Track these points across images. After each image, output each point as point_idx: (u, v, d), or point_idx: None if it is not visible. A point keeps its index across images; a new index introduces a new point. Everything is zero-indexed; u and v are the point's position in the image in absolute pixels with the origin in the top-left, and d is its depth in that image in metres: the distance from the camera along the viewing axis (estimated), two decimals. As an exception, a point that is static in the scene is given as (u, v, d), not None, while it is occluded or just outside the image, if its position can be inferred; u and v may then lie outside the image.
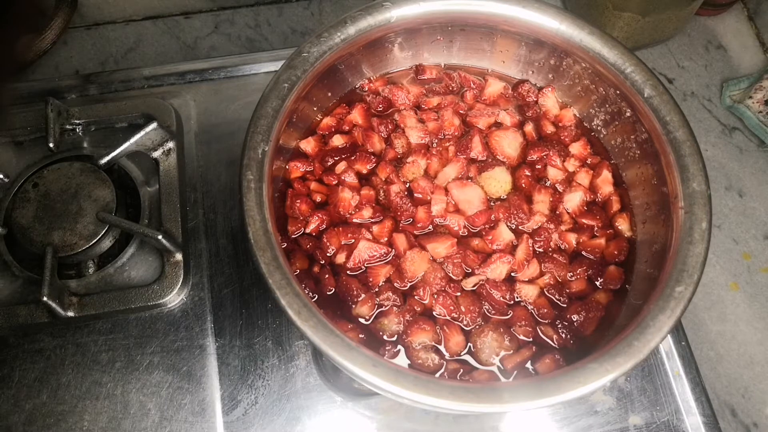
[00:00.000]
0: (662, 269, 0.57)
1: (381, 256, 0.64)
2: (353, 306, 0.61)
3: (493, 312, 0.62)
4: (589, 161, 0.71)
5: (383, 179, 0.68)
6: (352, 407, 0.71)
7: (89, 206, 0.76)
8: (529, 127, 0.72)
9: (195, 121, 0.87)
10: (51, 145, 0.79)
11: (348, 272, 0.63)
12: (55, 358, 0.73)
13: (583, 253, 0.66)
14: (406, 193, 0.67)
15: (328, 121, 0.72)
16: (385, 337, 0.61)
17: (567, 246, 0.66)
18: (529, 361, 0.60)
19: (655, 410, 0.72)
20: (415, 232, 0.65)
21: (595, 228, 0.67)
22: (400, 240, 0.63)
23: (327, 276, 0.63)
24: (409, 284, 0.63)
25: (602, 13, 0.92)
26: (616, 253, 0.65)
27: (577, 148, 0.71)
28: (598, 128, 0.72)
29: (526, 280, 0.64)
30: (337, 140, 0.70)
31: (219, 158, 0.84)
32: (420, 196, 0.67)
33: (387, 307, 0.62)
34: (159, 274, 0.75)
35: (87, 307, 0.72)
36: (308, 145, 0.70)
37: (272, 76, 0.62)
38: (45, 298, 0.69)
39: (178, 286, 0.74)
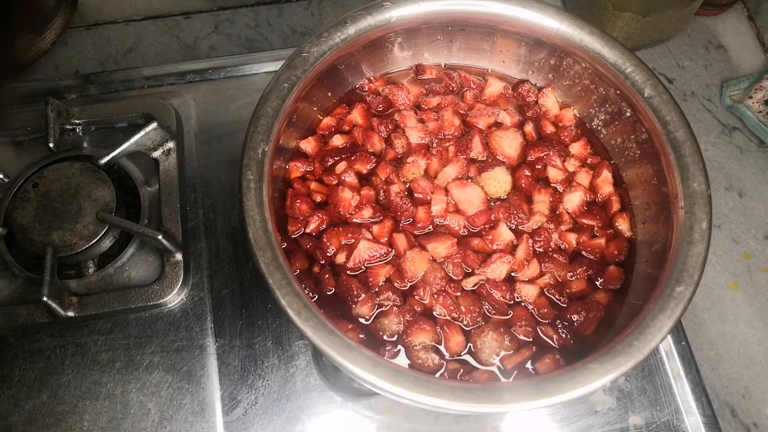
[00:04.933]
0: (662, 269, 0.57)
1: (381, 256, 0.64)
2: (353, 306, 0.61)
3: (493, 312, 0.62)
4: (589, 161, 0.71)
5: (383, 179, 0.68)
6: (352, 407, 0.71)
7: (89, 206, 0.76)
8: (529, 127, 0.72)
9: (195, 121, 0.87)
10: (51, 145, 0.79)
11: (348, 272, 0.63)
12: (55, 358, 0.73)
13: (583, 253, 0.66)
14: (406, 193, 0.67)
15: (328, 121, 0.72)
16: (385, 337, 0.61)
17: (567, 246, 0.66)
18: (529, 361, 0.60)
19: (655, 410, 0.72)
20: (415, 232, 0.65)
21: (595, 228, 0.67)
22: (400, 240, 0.63)
23: (327, 276, 0.63)
24: (409, 284, 0.63)
25: (602, 13, 0.92)
26: (616, 253, 0.65)
27: (577, 148, 0.71)
28: (598, 128, 0.72)
29: (526, 280, 0.64)
30: (337, 140, 0.70)
31: (219, 158, 0.84)
32: (420, 196, 0.67)
33: (387, 307, 0.62)
34: (159, 274, 0.75)
35: (87, 307, 0.72)
36: (308, 145, 0.70)
37: (272, 76, 0.62)
38: (45, 298, 0.69)
39: (178, 286, 0.74)
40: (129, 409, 0.70)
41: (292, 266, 0.62)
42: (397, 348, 0.60)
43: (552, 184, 0.69)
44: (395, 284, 0.63)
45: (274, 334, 0.74)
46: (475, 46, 0.74)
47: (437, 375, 0.59)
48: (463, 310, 0.61)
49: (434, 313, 0.62)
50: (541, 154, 0.70)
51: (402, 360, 0.60)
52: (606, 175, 0.69)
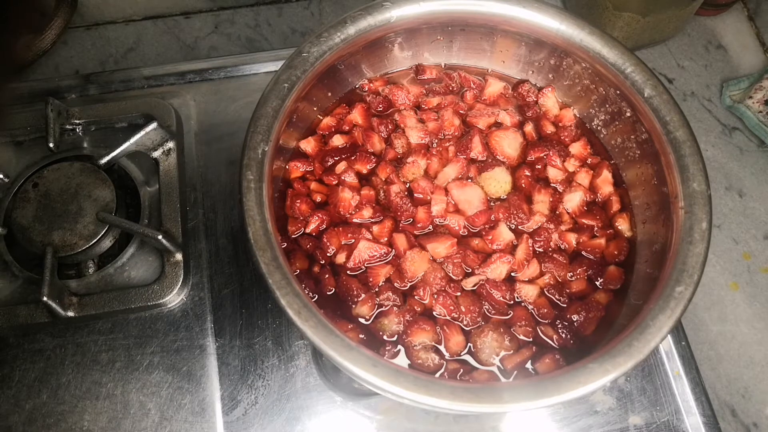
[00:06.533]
0: (662, 269, 0.57)
1: (381, 256, 0.64)
2: (353, 306, 0.61)
3: (493, 312, 0.62)
4: (589, 161, 0.71)
5: (383, 179, 0.68)
6: (352, 407, 0.71)
7: (89, 206, 0.76)
8: (529, 127, 0.72)
9: (195, 121, 0.87)
10: (51, 145, 0.79)
11: (348, 272, 0.63)
12: (55, 358, 0.73)
13: (583, 253, 0.66)
14: (406, 193, 0.67)
15: (328, 121, 0.72)
16: (385, 337, 0.61)
17: (567, 246, 0.66)
18: (529, 361, 0.60)
19: (655, 410, 0.72)
20: (415, 232, 0.65)
21: (595, 228, 0.67)
22: (400, 240, 0.63)
23: (327, 276, 0.63)
24: (409, 284, 0.63)
25: (602, 13, 0.92)
26: (616, 253, 0.65)
27: (577, 148, 0.71)
28: (598, 128, 0.72)
29: (526, 280, 0.64)
30: (337, 140, 0.70)
31: (219, 158, 0.84)
32: (420, 196, 0.67)
33: (387, 307, 0.62)
34: (159, 274, 0.75)
35: (87, 307, 0.72)
36: (308, 145, 0.70)
37: (272, 76, 0.62)
38: (45, 298, 0.69)
39: (178, 286, 0.74)
40: (129, 409, 0.70)
41: (292, 266, 0.62)
42: (397, 348, 0.60)
43: (552, 184, 0.69)
44: (395, 284, 0.63)
45: (274, 334, 0.74)
46: (475, 46, 0.74)
47: (437, 375, 0.59)
48: (463, 310, 0.61)
49: (434, 313, 0.62)
50: (541, 154, 0.70)
51: (402, 360, 0.60)
52: (606, 175, 0.69)
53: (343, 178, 0.67)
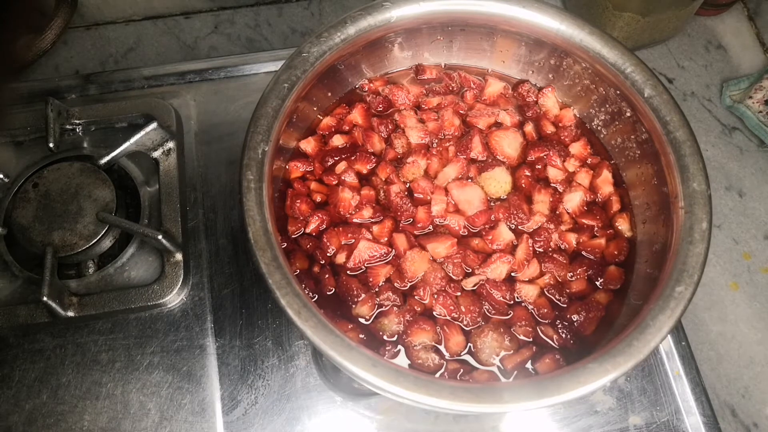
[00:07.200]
0: (662, 269, 0.57)
1: (381, 256, 0.64)
2: (353, 306, 0.61)
3: (493, 312, 0.62)
4: (589, 161, 0.71)
5: (383, 179, 0.68)
6: (352, 407, 0.71)
7: (89, 206, 0.76)
8: (529, 127, 0.72)
9: (195, 121, 0.87)
10: (51, 145, 0.79)
11: (348, 272, 0.63)
12: (55, 358, 0.73)
13: (583, 253, 0.66)
14: (406, 193, 0.67)
15: (328, 121, 0.72)
16: (385, 337, 0.61)
17: (567, 246, 0.66)
18: (529, 361, 0.60)
19: (655, 410, 0.72)
20: (415, 232, 0.65)
21: (595, 228, 0.67)
22: (400, 240, 0.63)
23: (327, 276, 0.63)
24: (409, 284, 0.63)
25: (602, 13, 0.92)
26: (616, 253, 0.65)
27: (577, 148, 0.71)
28: (598, 128, 0.72)
29: (526, 280, 0.64)
30: (337, 140, 0.70)
31: (219, 158, 0.84)
32: (420, 196, 0.67)
33: (387, 307, 0.62)
34: (159, 274, 0.75)
35: (87, 307, 0.72)
36: (308, 145, 0.70)
37: (272, 76, 0.62)
38: (45, 298, 0.69)
39: (178, 286, 0.74)
40: (129, 409, 0.70)
41: (292, 266, 0.62)
42: (397, 348, 0.60)
43: (552, 184, 0.69)
44: (395, 284, 0.63)
45: (274, 334, 0.74)
46: (475, 46, 0.74)
47: (437, 375, 0.59)
48: (463, 310, 0.61)
49: (434, 313, 0.62)
50: (541, 154, 0.70)
51: (402, 360, 0.60)
52: (606, 175, 0.69)
53: (343, 178, 0.67)
